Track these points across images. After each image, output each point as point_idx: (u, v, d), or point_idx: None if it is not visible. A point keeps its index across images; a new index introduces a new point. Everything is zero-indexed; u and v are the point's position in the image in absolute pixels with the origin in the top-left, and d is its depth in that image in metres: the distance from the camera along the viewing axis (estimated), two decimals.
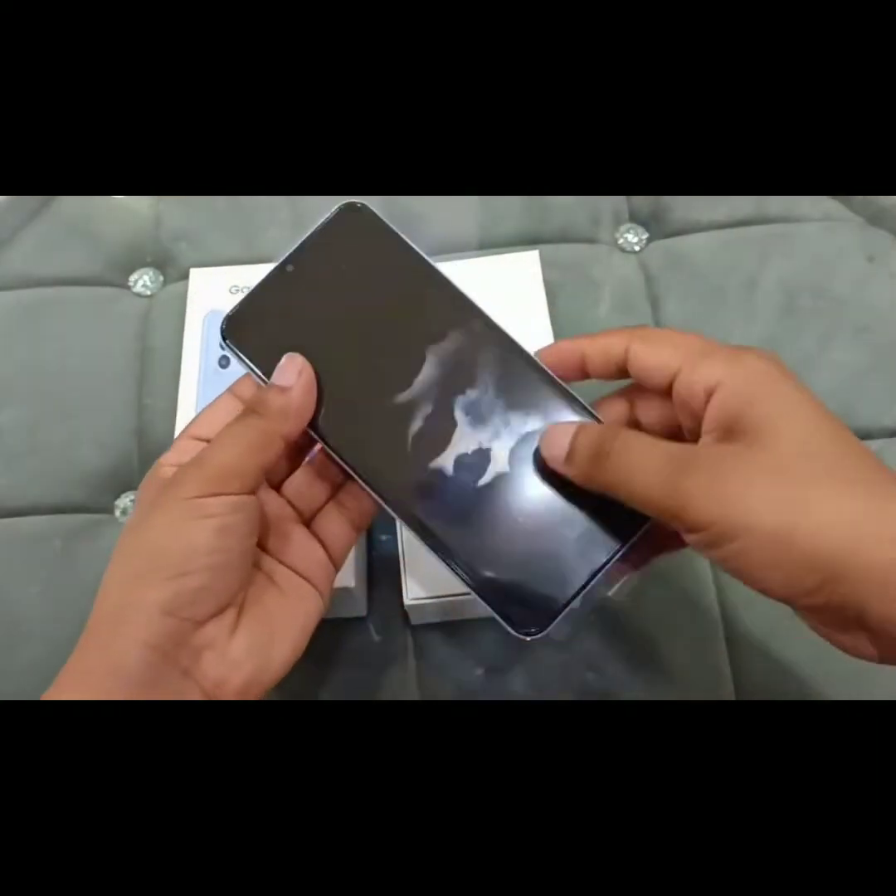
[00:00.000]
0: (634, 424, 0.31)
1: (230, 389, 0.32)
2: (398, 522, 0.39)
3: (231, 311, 0.31)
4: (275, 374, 0.30)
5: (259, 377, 0.31)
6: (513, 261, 0.45)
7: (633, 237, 0.54)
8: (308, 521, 0.32)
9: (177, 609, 0.26)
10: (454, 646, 0.42)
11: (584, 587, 0.29)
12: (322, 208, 0.32)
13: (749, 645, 0.41)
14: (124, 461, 0.47)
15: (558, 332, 0.43)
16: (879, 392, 0.47)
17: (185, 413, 0.42)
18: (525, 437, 0.31)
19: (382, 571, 0.43)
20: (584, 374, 0.31)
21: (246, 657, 0.28)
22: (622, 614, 0.42)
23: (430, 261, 0.32)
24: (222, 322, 0.31)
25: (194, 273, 0.45)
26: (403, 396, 0.31)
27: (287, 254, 0.32)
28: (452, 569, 0.30)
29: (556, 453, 0.29)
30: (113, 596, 0.27)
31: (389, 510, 0.31)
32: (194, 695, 0.27)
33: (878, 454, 0.45)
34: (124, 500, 0.46)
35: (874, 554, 0.23)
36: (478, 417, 0.31)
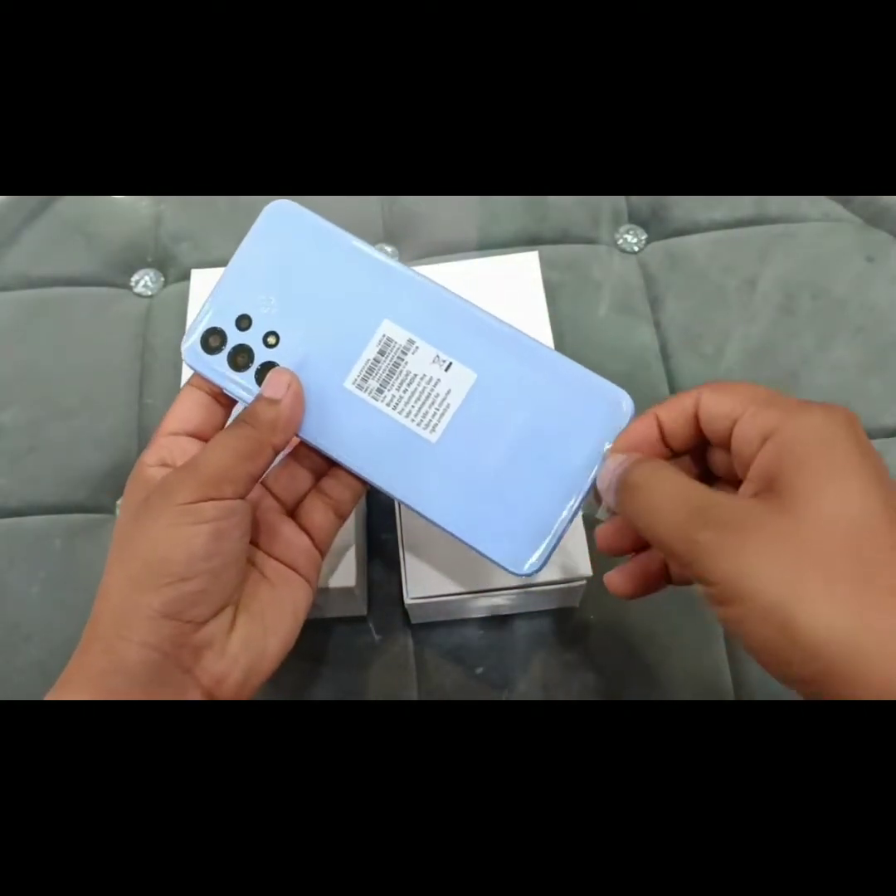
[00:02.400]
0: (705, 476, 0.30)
1: (190, 382, 0.32)
2: (398, 522, 0.39)
3: (195, 335, 0.32)
4: (263, 386, 0.30)
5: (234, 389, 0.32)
6: (512, 261, 0.45)
7: (632, 237, 0.54)
8: (292, 512, 0.33)
9: (178, 613, 0.27)
10: (454, 646, 0.42)
11: (574, 513, 0.30)
12: (322, 208, 0.32)
13: None
14: (124, 461, 0.47)
15: (558, 332, 0.43)
16: (878, 392, 0.47)
17: None
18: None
19: (382, 571, 0.43)
20: (666, 447, 0.29)
21: (242, 651, 0.28)
22: (622, 614, 0.42)
23: (363, 244, 0.32)
24: (189, 346, 0.32)
25: (195, 274, 0.45)
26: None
27: (231, 261, 0.32)
28: (441, 526, 0.31)
29: (603, 484, 0.29)
30: (113, 600, 0.28)
31: (381, 488, 0.31)
32: (195, 692, 0.27)
33: None
34: None
35: (875, 665, 0.21)
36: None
